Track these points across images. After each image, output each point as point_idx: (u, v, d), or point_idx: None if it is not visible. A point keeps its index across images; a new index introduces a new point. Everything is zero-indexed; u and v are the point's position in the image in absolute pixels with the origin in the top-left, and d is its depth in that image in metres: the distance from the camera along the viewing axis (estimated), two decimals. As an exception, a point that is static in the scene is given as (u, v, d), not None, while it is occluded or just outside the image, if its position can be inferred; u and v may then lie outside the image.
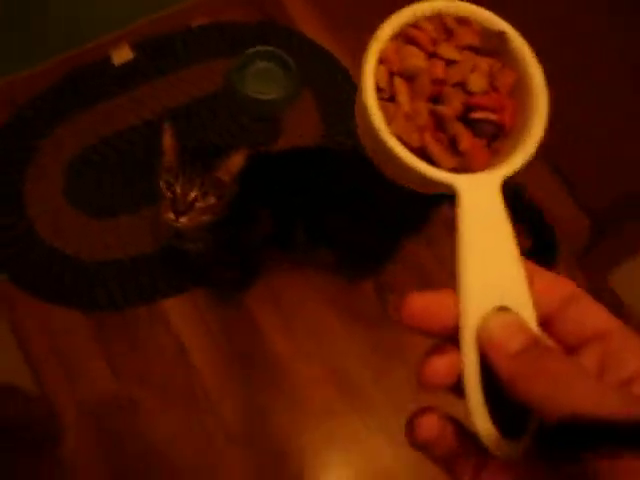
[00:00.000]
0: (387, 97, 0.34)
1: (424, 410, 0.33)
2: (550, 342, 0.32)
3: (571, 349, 0.32)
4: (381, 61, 0.35)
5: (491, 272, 0.31)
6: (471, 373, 0.30)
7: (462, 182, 0.33)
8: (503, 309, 0.31)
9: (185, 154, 1.17)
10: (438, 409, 0.33)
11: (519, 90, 0.36)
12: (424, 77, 0.34)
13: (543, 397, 0.27)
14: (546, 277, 0.33)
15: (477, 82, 0.34)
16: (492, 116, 0.34)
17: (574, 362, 0.29)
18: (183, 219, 1.16)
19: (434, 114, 0.34)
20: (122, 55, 1.85)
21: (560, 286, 0.33)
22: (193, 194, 1.15)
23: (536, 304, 0.31)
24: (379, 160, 0.35)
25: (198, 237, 1.28)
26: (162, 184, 1.17)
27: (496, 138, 0.35)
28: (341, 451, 1.51)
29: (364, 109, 0.33)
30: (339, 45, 1.94)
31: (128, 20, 1.84)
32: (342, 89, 1.86)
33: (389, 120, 0.33)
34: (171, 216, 1.16)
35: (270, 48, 1.83)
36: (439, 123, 0.34)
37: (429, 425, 0.32)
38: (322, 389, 1.56)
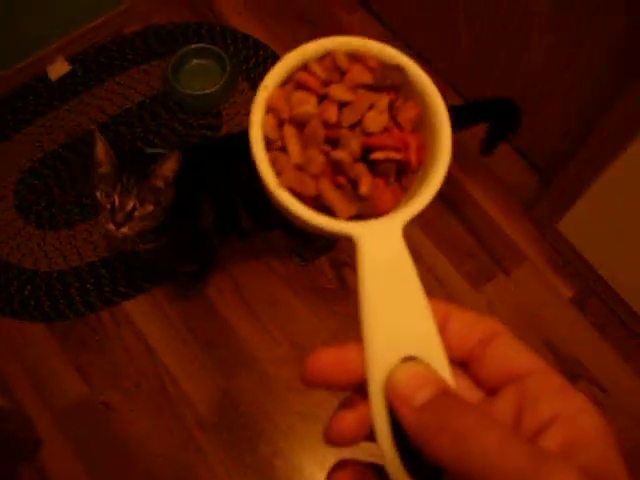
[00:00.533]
0: (279, 147, 0.33)
1: (340, 464, 0.31)
2: (464, 390, 0.30)
3: (491, 391, 0.30)
4: (269, 110, 0.33)
5: (397, 322, 0.30)
6: (382, 428, 0.29)
7: (360, 231, 0.31)
8: (411, 359, 0.29)
9: (119, 163, 1.17)
10: (355, 460, 0.31)
11: (425, 123, 0.34)
12: (316, 122, 0.32)
13: (448, 453, 0.25)
14: (465, 317, 0.31)
15: (374, 121, 0.33)
16: (395, 155, 0.32)
17: (482, 413, 0.27)
18: (124, 229, 1.16)
19: (331, 159, 0.32)
20: (58, 69, 1.87)
21: (480, 324, 0.31)
22: (131, 203, 1.15)
23: (453, 346, 0.30)
24: (281, 212, 0.33)
25: (146, 240, 1.29)
26: (99, 195, 1.16)
27: (404, 174, 0.33)
28: (314, 424, 1.54)
29: (254, 164, 0.32)
30: (271, 34, 1.97)
31: (61, 34, 1.86)
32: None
33: (280, 171, 0.32)
34: (111, 227, 1.16)
35: (202, 45, 1.86)
36: (337, 168, 0.32)
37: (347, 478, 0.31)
38: (290, 368, 1.59)
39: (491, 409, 0.29)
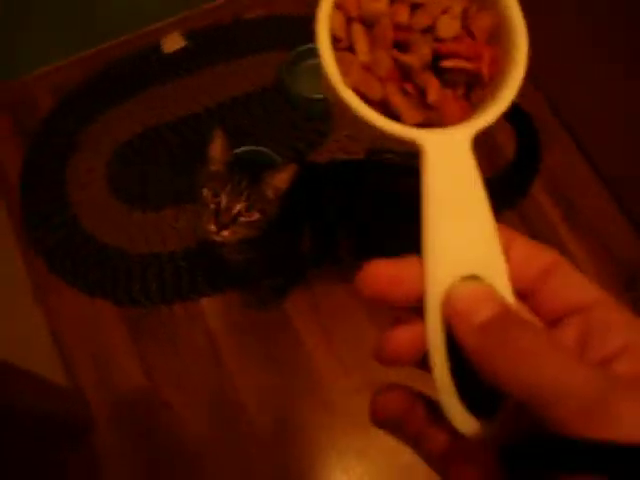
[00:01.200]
0: (346, 46, 0.31)
1: (389, 387, 0.31)
2: (525, 314, 0.29)
3: (552, 323, 0.29)
4: (338, 6, 0.31)
5: (460, 238, 0.28)
6: (436, 347, 0.28)
7: (426, 138, 0.29)
8: (473, 278, 0.28)
9: (235, 163, 1.11)
10: (405, 386, 0.31)
11: (500, 36, 0.31)
12: (386, 22, 0.30)
13: (508, 372, 0.24)
14: (525, 245, 0.30)
15: (447, 27, 0.30)
16: (466, 64, 0.30)
17: (547, 335, 0.26)
18: (225, 233, 1.10)
19: (399, 64, 0.31)
20: (173, 43, 1.81)
21: (541, 255, 0.30)
22: (238, 207, 1.09)
23: (514, 273, 0.28)
24: (340, 113, 0.31)
25: (239, 249, 1.23)
26: (206, 192, 1.10)
27: (474, 88, 0.31)
28: (370, 466, 1.46)
29: (319, 59, 0.31)
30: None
31: (181, 8, 1.80)
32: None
33: (346, 71, 0.30)
34: (212, 228, 1.09)
35: (324, 44, 1.77)
36: (405, 73, 0.31)
37: (394, 403, 0.31)
38: (356, 401, 1.51)
39: (559, 335, 0.28)
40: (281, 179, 1.11)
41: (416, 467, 1.35)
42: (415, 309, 0.29)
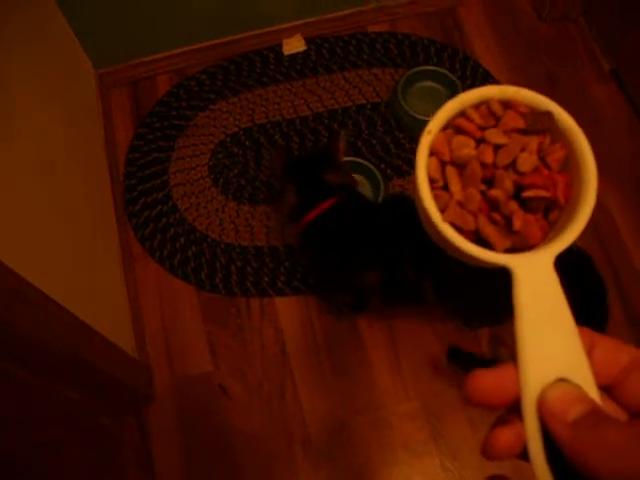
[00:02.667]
0: (441, 186, 0.36)
1: (495, 478, 0.34)
2: (610, 411, 0.31)
3: (635, 414, 0.32)
4: (432, 153, 0.36)
5: (549, 346, 0.32)
6: (534, 442, 0.31)
7: (516, 263, 0.34)
8: (562, 380, 0.31)
9: None
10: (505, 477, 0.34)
11: (571, 163, 0.36)
12: (475, 164, 0.35)
13: (598, 463, 0.27)
14: (608, 345, 0.33)
15: (526, 162, 0.35)
16: (544, 193, 0.35)
17: (633, 431, 0.29)
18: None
19: (487, 197, 0.35)
20: (294, 45, 1.84)
21: (622, 353, 0.33)
22: None
23: (598, 372, 0.32)
24: (441, 244, 0.36)
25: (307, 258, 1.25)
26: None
27: (552, 210, 0.36)
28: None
29: (419, 201, 0.36)
30: (511, 80, 1.85)
31: (308, 13, 1.83)
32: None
33: (443, 208, 0.35)
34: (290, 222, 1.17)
35: (441, 69, 1.77)
36: (493, 205, 0.35)
37: None
38: (413, 426, 1.49)
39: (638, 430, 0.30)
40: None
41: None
42: (515, 408, 0.33)
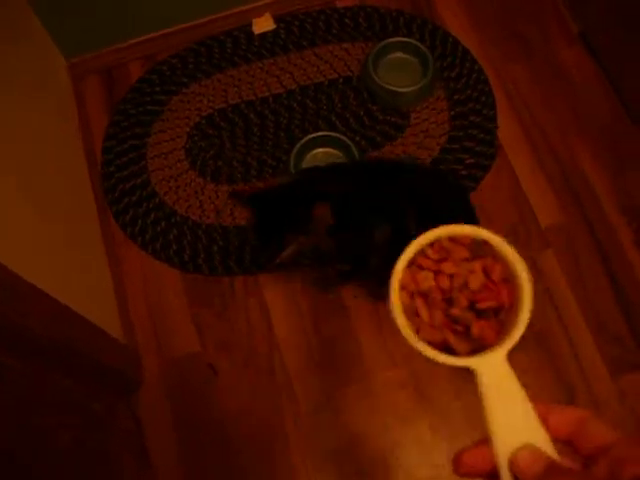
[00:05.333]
0: (413, 311, 0.46)
1: None
2: (565, 462, 0.40)
3: (590, 459, 0.40)
4: (402, 287, 0.46)
5: (512, 420, 0.41)
6: None
7: (477, 364, 0.43)
8: (525, 446, 0.40)
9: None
10: None
11: (509, 274, 0.46)
12: (436, 292, 0.46)
13: None
14: (559, 409, 0.43)
15: (475, 281, 0.46)
16: (492, 303, 0.45)
17: (585, 476, 0.39)
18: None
19: (449, 315, 0.45)
20: (263, 24, 1.85)
21: (572, 413, 0.42)
22: None
23: (555, 432, 0.41)
24: (417, 352, 0.45)
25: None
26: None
27: (500, 312, 0.46)
28: (406, 459, 1.46)
29: (398, 327, 0.45)
30: (482, 47, 1.86)
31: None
32: (476, 91, 1.78)
33: (417, 329, 0.45)
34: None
35: (411, 40, 1.78)
36: (454, 320, 0.45)
37: None
38: (400, 393, 1.51)
39: (592, 473, 0.39)
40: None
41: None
42: (493, 475, 0.41)
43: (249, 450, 1.49)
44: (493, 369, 0.43)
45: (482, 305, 0.45)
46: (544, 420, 0.42)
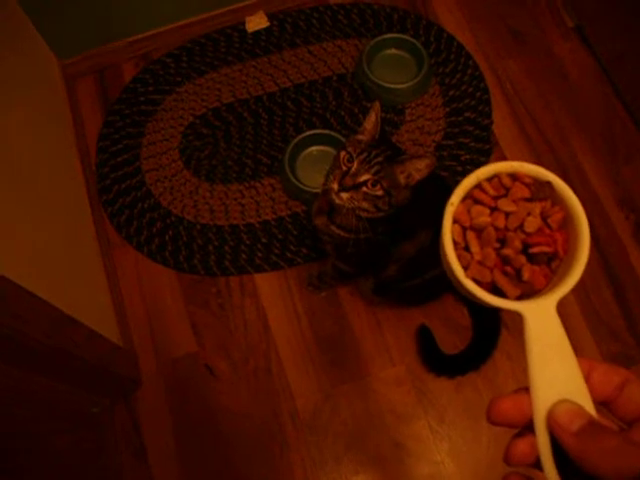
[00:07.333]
0: (463, 247, 0.44)
1: (509, 475, 0.42)
2: (604, 422, 0.40)
3: (629, 423, 0.40)
4: (455, 221, 0.44)
5: (554, 373, 0.40)
6: (545, 450, 0.39)
7: (525, 308, 0.42)
8: (565, 401, 0.39)
9: (381, 141, 1.12)
10: (521, 474, 0.41)
11: (568, 221, 0.44)
12: (490, 229, 0.44)
13: (599, 464, 0.36)
14: (602, 369, 0.42)
15: (532, 224, 0.43)
16: (547, 249, 0.43)
17: (622, 437, 0.38)
18: (344, 195, 1.11)
19: (501, 255, 0.44)
20: (257, 22, 1.84)
21: (614, 375, 0.41)
22: (365, 176, 1.09)
23: (595, 391, 0.40)
24: (464, 294, 0.44)
25: (345, 224, 1.23)
26: (343, 154, 1.12)
27: (553, 260, 0.44)
28: (406, 456, 1.46)
29: (446, 260, 0.44)
30: (477, 41, 1.85)
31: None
32: (471, 87, 1.78)
33: (465, 266, 0.43)
34: (335, 187, 1.11)
35: (406, 36, 1.77)
36: (505, 260, 0.43)
37: None
38: (398, 391, 1.51)
39: (629, 436, 0.39)
40: (416, 167, 1.10)
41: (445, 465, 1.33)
42: (528, 426, 0.41)
43: (247, 449, 1.48)
44: (542, 316, 0.42)
45: (535, 249, 0.43)
46: (586, 377, 0.41)
